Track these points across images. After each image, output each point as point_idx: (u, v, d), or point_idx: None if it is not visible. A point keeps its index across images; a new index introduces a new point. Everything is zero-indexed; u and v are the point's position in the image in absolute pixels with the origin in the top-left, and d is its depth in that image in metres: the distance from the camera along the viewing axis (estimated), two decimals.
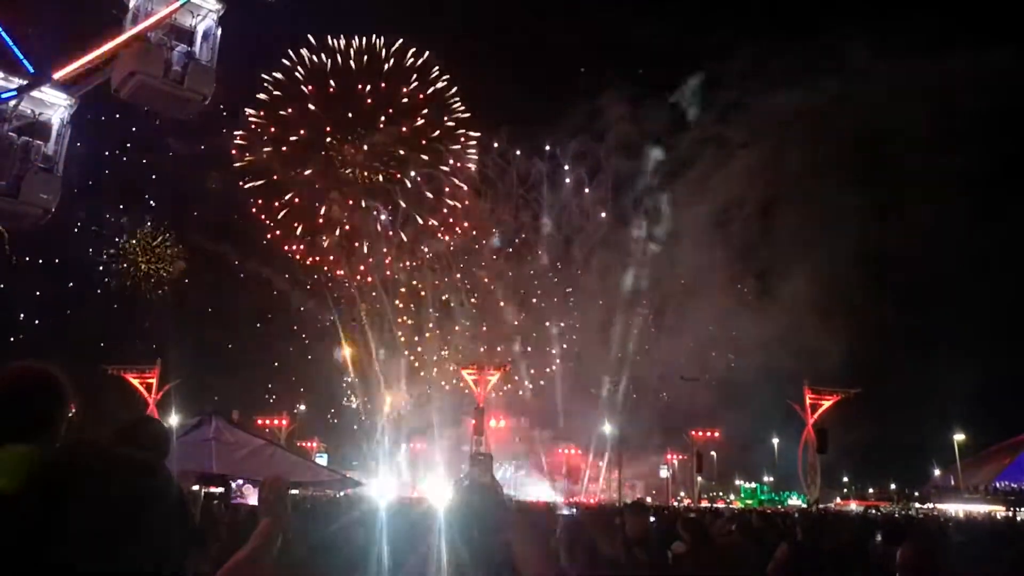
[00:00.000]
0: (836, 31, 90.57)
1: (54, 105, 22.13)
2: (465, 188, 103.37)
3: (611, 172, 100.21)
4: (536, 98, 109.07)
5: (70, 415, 3.12)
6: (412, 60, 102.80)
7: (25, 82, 21.20)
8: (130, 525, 2.34)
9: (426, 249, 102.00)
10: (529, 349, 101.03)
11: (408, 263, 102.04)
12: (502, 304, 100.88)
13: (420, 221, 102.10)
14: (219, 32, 23.06)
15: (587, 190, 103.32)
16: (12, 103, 21.14)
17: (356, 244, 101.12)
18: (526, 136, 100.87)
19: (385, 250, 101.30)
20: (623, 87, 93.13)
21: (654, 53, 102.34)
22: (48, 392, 3.00)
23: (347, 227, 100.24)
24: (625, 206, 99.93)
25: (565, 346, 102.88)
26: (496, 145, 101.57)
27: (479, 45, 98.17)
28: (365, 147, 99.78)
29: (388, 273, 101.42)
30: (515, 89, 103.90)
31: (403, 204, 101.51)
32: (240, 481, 13.99)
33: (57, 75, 21.61)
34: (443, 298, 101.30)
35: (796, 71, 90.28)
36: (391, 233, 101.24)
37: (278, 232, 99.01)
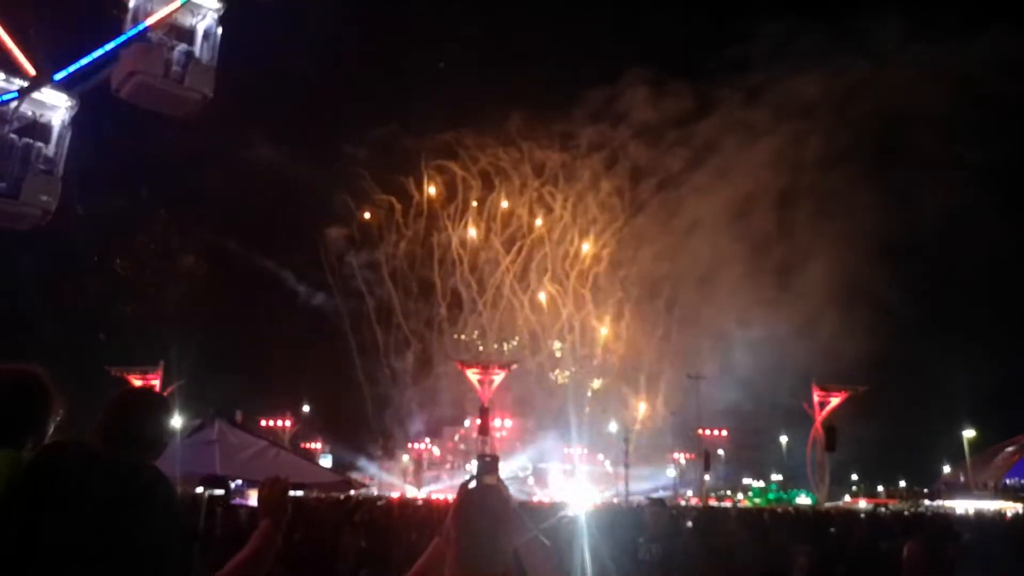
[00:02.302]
0: (862, 13, 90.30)
1: (54, 106, 22.14)
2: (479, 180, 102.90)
3: (628, 160, 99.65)
4: (551, 84, 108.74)
5: (58, 417, 3.03)
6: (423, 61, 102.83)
7: (25, 83, 21.19)
8: (115, 528, 2.28)
9: (437, 241, 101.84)
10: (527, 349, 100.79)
11: (420, 256, 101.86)
12: (513, 300, 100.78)
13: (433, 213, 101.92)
14: (219, 31, 23.04)
15: (603, 180, 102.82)
16: (12, 105, 21.13)
17: (368, 236, 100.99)
18: (541, 123, 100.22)
19: (396, 242, 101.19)
20: (641, 72, 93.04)
21: (672, 37, 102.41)
22: (31, 395, 2.91)
23: (361, 219, 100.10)
24: (641, 196, 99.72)
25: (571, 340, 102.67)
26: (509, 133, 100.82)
27: (490, 31, 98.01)
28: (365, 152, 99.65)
29: (399, 265, 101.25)
30: (530, 75, 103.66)
31: (417, 196, 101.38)
32: (240, 482, 13.93)
33: (57, 76, 21.60)
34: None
35: (815, 55, 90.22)
36: (404, 226, 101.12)
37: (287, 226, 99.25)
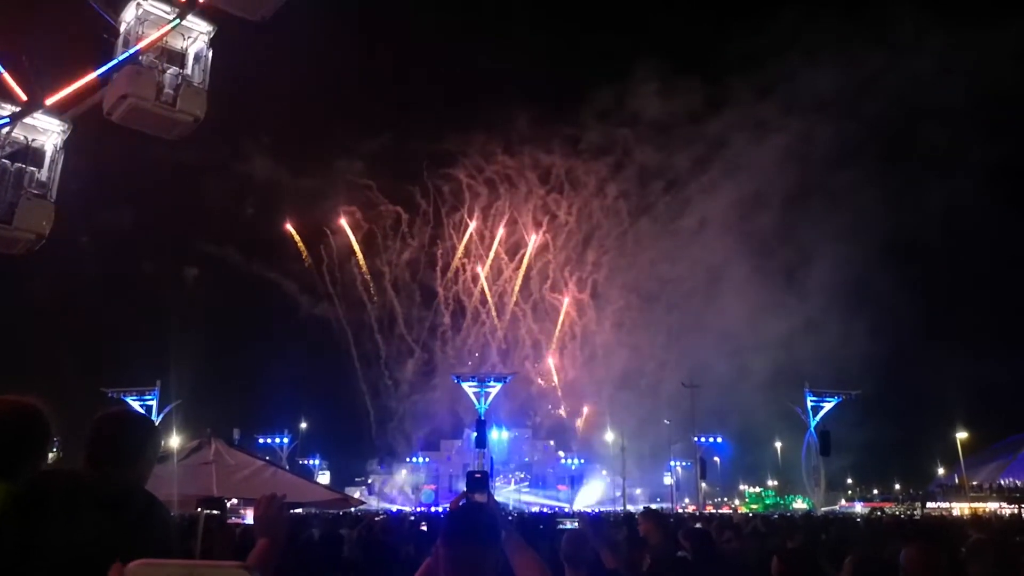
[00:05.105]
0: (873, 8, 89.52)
1: (47, 131, 22.16)
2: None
3: (634, 164, 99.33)
4: (558, 83, 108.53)
5: (54, 447, 3.11)
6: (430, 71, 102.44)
7: (17, 109, 21.24)
8: (106, 556, 2.30)
9: (440, 251, 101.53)
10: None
11: (423, 264, 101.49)
12: (515, 309, 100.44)
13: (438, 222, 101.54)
14: (210, 54, 23.12)
15: (607, 187, 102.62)
16: (5, 130, 21.18)
17: (370, 247, 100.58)
18: (546, 129, 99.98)
19: (400, 251, 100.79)
20: (647, 72, 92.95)
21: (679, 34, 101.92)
22: (27, 427, 2.94)
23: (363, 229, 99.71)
24: (639, 200, 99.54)
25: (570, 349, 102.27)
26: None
27: (495, 36, 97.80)
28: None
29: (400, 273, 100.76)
30: (535, 80, 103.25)
31: (423, 205, 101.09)
32: (236, 500, 13.97)
33: (49, 101, 21.65)
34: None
35: (824, 49, 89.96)
36: (409, 237, 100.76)
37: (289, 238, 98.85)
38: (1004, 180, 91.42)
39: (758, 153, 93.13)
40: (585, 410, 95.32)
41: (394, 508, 68.48)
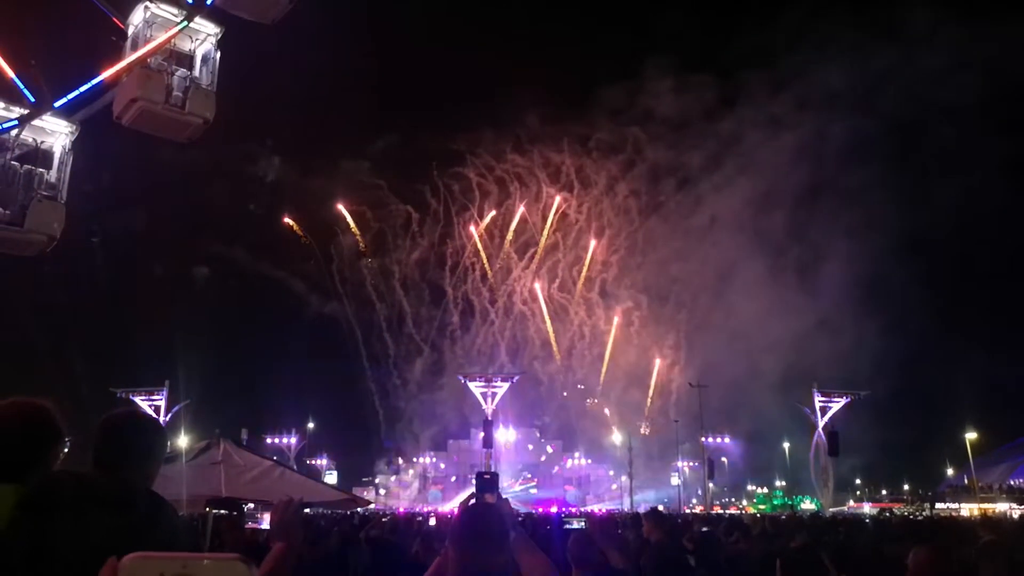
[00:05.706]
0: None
1: (56, 133, 22.24)
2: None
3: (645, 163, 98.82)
4: (567, 81, 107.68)
5: (64, 449, 3.08)
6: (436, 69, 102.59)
7: (26, 111, 21.33)
8: (109, 556, 2.33)
9: (450, 249, 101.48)
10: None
11: (433, 263, 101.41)
12: (524, 309, 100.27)
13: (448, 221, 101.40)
14: (218, 55, 23.18)
15: (617, 186, 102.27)
16: (14, 132, 21.27)
17: (380, 246, 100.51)
18: (557, 127, 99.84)
19: (410, 250, 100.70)
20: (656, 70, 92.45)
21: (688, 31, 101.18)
22: (37, 430, 2.96)
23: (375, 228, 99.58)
24: (644, 200, 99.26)
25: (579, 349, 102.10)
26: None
27: (503, 34, 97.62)
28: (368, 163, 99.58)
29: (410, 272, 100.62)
30: (544, 71, 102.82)
31: (433, 204, 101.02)
32: (252, 505, 13.95)
33: (58, 103, 21.74)
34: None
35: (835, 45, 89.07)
36: (418, 236, 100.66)
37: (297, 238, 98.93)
38: (1019, 177, 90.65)
39: (768, 150, 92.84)
40: (617, 319, 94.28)
41: (401, 509, 68.55)
